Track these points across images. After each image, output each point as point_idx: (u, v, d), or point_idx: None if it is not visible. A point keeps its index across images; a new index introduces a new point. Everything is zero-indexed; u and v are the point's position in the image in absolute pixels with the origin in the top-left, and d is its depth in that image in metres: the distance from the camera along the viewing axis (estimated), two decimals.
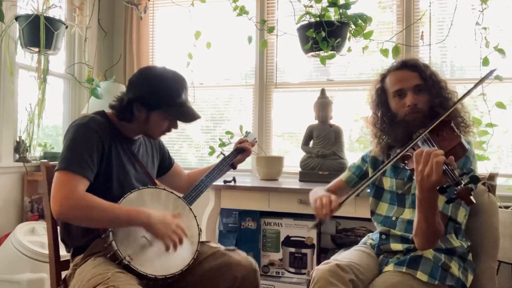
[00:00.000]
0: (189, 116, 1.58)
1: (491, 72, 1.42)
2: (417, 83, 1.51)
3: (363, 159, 1.76)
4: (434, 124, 1.38)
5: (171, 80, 1.56)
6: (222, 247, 1.63)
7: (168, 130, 1.61)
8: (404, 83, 1.52)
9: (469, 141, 1.47)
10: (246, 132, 2.08)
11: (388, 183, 1.63)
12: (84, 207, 1.34)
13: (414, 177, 1.24)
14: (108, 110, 1.62)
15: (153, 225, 1.41)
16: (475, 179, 1.07)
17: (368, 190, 1.73)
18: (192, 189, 1.71)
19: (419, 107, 1.49)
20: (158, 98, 1.52)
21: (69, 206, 1.33)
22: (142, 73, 1.59)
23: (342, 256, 1.50)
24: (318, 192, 1.69)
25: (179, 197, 1.62)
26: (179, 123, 1.63)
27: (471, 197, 1.05)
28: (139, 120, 1.56)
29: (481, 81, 1.43)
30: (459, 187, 1.08)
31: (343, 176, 1.81)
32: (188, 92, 1.62)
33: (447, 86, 1.55)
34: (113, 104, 1.58)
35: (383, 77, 1.61)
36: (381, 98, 1.60)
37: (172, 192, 1.61)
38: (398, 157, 1.40)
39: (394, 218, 1.56)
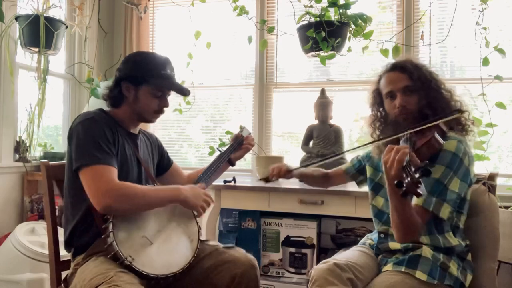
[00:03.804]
0: (177, 87, 1.62)
1: (457, 110, 1.47)
2: (406, 85, 1.53)
3: (367, 155, 1.79)
4: (413, 130, 1.40)
5: (154, 55, 1.64)
6: (220, 245, 1.64)
7: (160, 109, 1.63)
8: (393, 85, 1.55)
9: (460, 139, 1.45)
10: (241, 126, 2.07)
11: None
12: (127, 196, 1.39)
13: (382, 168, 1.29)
14: (106, 109, 1.64)
15: (187, 199, 1.50)
16: (426, 172, 1.08)
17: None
18: None
19: (409, 108, 1.52)
20: (143, 71, 1.56)
21: (113, 198, 1.37)
22: (127, 56, 1.67)
23: (341, 256, 1.51)
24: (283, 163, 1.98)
25: None
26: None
27: (418, 190, 1.05)
28: (129, 100, 1.59)
29: (448, 115, 1.46)
30: (408, 179, 1.08)
31: (344, 166, 1.92)
32: (174, 71, 1.65)
33: (440, 85, 1.55)
34: (104, 93, 1.63)
35: (379, 79, 1.64)
36: (377, 100, 1.65)
37: None
38: (369, 144, 1.57)
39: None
